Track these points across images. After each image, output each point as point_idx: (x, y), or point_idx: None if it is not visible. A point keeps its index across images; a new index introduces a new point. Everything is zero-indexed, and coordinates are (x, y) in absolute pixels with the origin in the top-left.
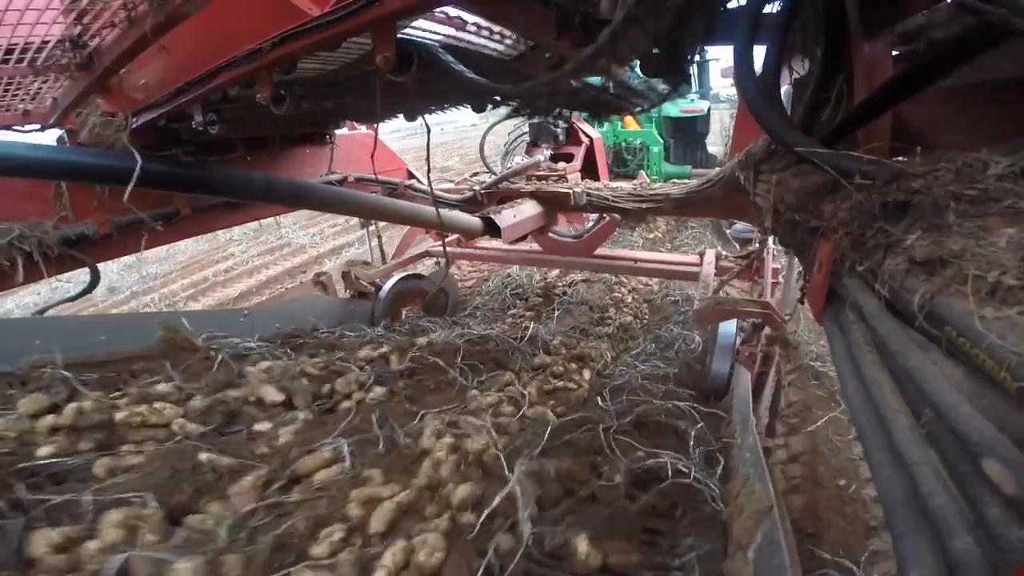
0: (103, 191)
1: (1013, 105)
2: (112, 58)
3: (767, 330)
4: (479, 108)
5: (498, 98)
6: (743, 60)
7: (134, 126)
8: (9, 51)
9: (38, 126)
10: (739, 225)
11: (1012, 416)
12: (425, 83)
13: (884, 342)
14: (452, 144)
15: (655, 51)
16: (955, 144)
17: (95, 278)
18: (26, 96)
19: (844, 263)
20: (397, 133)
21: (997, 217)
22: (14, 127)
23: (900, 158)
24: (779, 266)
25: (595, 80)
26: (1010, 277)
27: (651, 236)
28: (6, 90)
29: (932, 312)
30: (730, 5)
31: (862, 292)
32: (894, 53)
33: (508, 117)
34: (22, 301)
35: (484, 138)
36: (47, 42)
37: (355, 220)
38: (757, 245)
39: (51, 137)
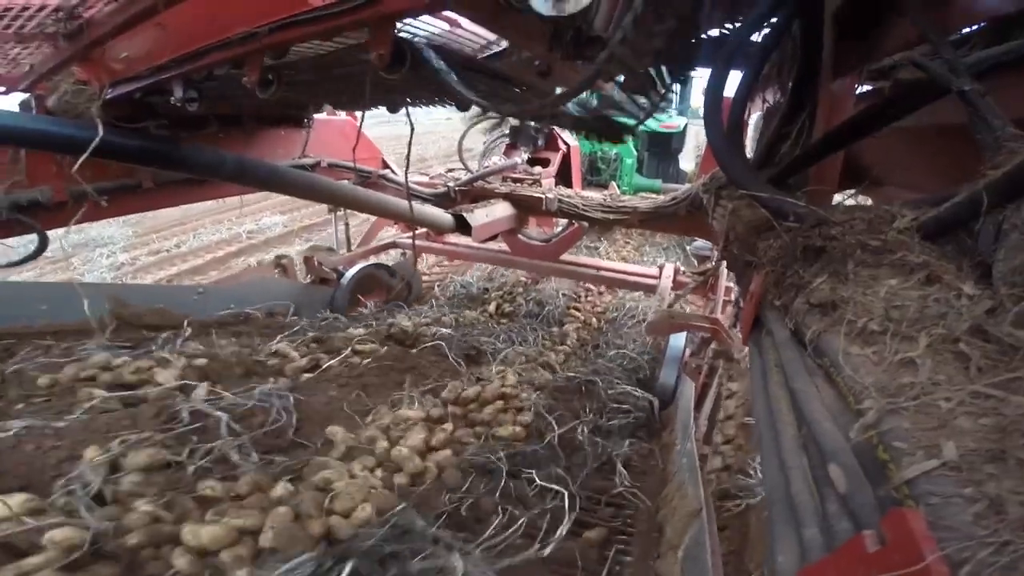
0: (63, 158)
1: (956, 148)
2: (104, 30)
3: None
4: (463, 107)
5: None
6: (713, 102)
7: (109, 96)
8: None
9: (3, 89)
10: (699, 242)
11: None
12: (415, 81)
13: (785, 366)
14: (416, 139)
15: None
16: (905, 182)
17: (43, 244)
18: (2, 60)
19: (767, 296)
20: (368, 121)
21: (888, 267)
22: None
23: (846, 193)
24: (732, 285)
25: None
26: (874, 323)
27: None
28: None
29: (818, 346)
30: (711, 34)
31: (777, 323)
32: (866, 88)
33: (487, 118)
34: None
35: (462, 138)
36: (41, 9)
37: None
38: (714, 263)
39: (12, 102)
